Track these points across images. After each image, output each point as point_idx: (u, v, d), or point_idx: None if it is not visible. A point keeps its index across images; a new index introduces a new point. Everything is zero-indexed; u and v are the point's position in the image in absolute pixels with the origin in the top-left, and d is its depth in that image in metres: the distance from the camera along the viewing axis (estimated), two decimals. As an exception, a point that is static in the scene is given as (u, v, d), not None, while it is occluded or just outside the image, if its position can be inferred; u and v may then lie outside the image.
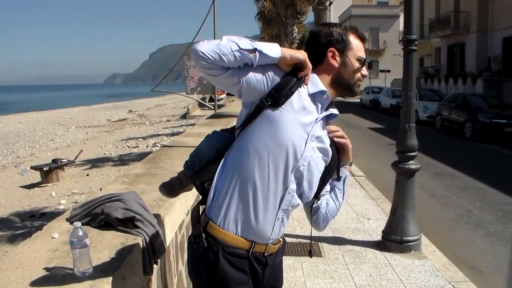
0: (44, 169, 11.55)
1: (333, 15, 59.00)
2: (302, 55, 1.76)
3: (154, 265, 2.32)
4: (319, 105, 1.83)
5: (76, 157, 14.13)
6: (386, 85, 33.03)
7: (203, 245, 1.79)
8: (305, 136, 1.76)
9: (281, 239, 1.94)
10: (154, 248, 2.23)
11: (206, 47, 1.62)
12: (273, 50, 1.69)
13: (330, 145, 1.91)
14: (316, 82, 1.83)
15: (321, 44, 1.91)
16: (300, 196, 1.86)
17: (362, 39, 1.94)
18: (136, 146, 17.42)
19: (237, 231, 1.78)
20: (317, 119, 1.81)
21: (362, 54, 1.92)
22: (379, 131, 17.97)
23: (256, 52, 1.65)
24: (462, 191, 8.36)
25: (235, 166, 1.77)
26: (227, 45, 1.62)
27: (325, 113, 1.86)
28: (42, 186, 11.38)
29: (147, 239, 2.19)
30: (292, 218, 6.17)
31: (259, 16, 35.86)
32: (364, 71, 1.93)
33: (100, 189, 4.85)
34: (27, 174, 13.02)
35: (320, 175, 1.88)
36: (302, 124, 1.75)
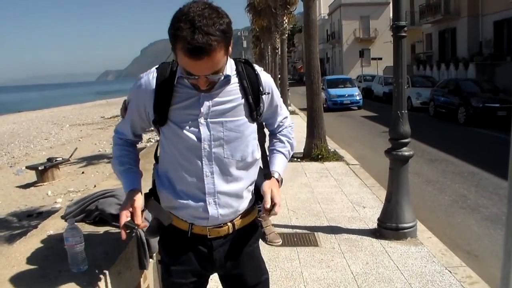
0: (40, 168, 11.53)
1: (323, 4, 58.97)
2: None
3: (150, 259, 2.34)
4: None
5: (71, 155, 14.10)
6: (378, 73, 33.03)
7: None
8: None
9: (228, 225, 1.92)
10: (149, 243, 2.24)
11: None
12: None
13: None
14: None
15: None
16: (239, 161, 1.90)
17: (188, 56, 1.61)
18: (130, 142, 17.38)
19: (174, 212, 1.90)
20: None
21: (187, 67, 1.67)
22: (373, 119, 18.02)
23: None
24: (456, 177, 8.41)
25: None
26: None
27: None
28: (38, 186, 11.37)
29: (142, 233, 2.20)
30: (287, 208, 6.20)
31: (249, 8, 35.73)
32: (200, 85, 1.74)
33: (95, 186, 4.85)
34: (22, 174, 12.99)
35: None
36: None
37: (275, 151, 2.10)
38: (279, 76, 24.07)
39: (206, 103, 1.80)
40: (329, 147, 10.22)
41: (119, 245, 2.06)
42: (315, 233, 5.33)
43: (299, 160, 9.68)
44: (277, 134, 2.15)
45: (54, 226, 2.38)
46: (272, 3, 22.96)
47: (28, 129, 28.06)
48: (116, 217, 2.26)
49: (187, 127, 1.80)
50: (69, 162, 13.52)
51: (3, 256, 1.99)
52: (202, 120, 1.81)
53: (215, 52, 1.59)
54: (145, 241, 2.22)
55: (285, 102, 20.54)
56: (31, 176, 11.97)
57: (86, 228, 2.28)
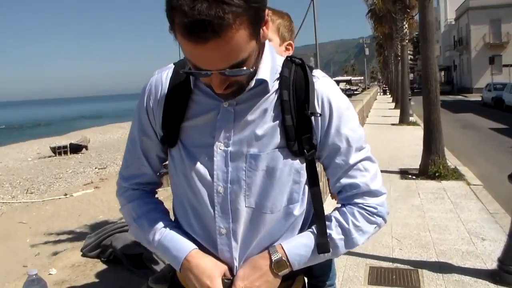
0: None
1: (450, 8, 55.80)
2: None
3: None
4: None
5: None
6: (510, 81, 30.19)
7: None
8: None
9: None
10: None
11: None
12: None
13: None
14: None
15: None
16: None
17: (186, 36, 0.98)
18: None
19: None
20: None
21: (190, 57, 1.05)
22: (502, 132, 16.20)
23: None
24: None
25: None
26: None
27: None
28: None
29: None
30: (391, 236, 5.42)
31: (370, 14, 35.23)
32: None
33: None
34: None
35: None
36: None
37: (311, 229, 1.30)
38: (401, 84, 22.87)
39: (226, 122, 1.20)
40: (449, 164, 9.14)
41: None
42: (419, 270, 4.45)
43: (414, 177, 8.77)
44: (336, 210, 1.32)
45: (67, 260, 1.97)
46: (391, 8, 21.93)
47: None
48: (130, 258, 1.82)
49: (199, 155, 1.22)
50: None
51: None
52: (219, 147, 1.20)
53: (229, 30, 0.96)
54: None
55: (406, 111, 19.27)
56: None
57: (98, 267, 1.84)
